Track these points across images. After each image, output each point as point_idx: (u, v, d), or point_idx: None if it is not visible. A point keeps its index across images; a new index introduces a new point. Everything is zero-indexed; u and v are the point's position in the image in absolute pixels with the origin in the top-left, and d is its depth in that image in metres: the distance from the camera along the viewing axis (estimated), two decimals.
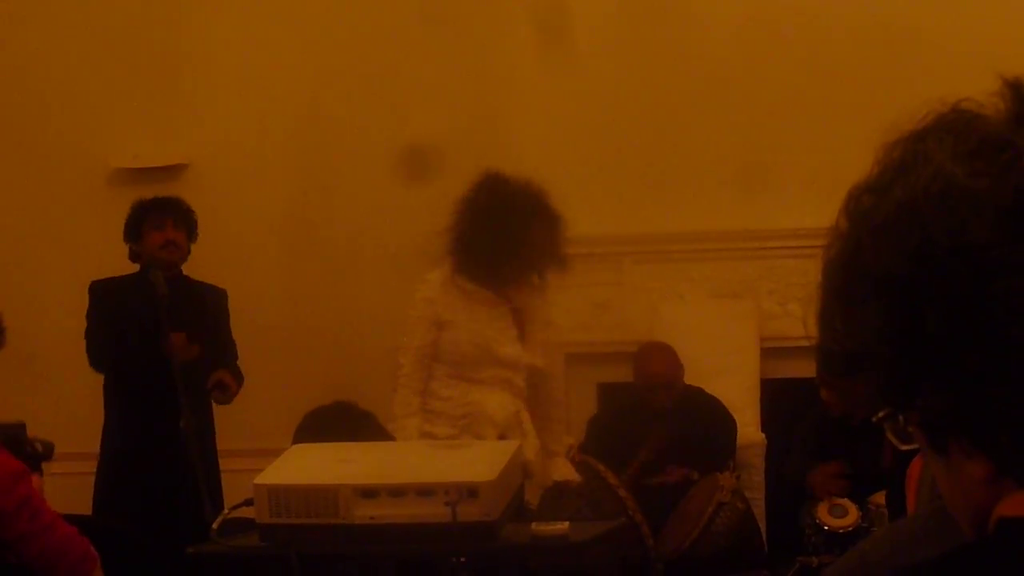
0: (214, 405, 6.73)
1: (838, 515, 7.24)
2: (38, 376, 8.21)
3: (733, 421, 7.55)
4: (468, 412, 5.75)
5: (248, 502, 4.26)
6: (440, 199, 6.14)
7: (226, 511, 4.41)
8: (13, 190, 8.52)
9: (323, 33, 8.39)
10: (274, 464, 4.36)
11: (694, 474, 7.35)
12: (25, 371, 8.17)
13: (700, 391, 7.62)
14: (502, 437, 5.75)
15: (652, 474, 7.31)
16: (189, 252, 6.72)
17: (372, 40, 8.37)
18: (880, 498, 7.04)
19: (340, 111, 8.34)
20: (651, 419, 7.49)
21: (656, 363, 7.56)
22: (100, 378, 6.69)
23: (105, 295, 6.65)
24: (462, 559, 4.04)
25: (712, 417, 7.52)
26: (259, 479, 4.25)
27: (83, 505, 6.38)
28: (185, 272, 6.77)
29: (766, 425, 7.90)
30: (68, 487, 5.41)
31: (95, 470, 6.70)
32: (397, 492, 4.13)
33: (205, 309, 6.68)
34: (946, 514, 1.37)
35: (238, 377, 6.72)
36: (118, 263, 6.77)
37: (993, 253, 1.17)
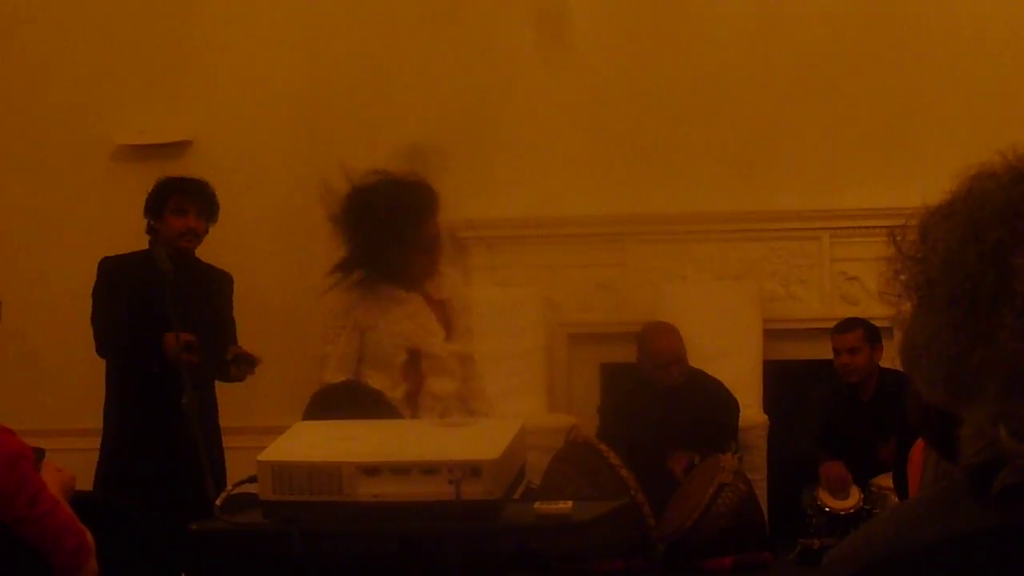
0: (216, 383, 6.72)
1: (840, 497, 7.26)
2: (40, 352, 8.22)
3: (735, 402, 7.56)
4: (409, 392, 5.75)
5: (251, 479, 4.27)
6: (440, 189, 6.14)
7: (229, 488, 4.41)
8: (17, 166, 8.52)
9: (328, 15, 8.39)
10: (278, 441, 4.36)
11: (695, 457, 7.37)
12: (27, 346, 8.19)
13: (701, 372, 7.63)
14: (444, 413, 5.78)
15: (659, 458, 7.32)
16: (207, 232, 6.69)
17: (376, 22, 8.37)
18: (883, 480, 7.07)
19: (343, 94, 8.34)
20: (658, 398, 7.50)
21: (664, 340, 7.58)
22: None
23: (113, 272, 6.62)
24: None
25: (714, 398, 7.54)
26: (262, 456, 4.26)
27: (85, 481, 6.38)
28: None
29: (768, 406, 7.92)
30: (71, 463, 5.40)
31: (99, 446, 6.70)
32: (400, 470, 4.13)
33: (209, 291, 6.65)
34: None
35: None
36: (123, 239, 6.76)
37: None
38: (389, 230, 5.74)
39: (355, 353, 5.78)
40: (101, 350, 6.57)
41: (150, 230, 6.59)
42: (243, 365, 6.46)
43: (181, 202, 6.51)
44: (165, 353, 6.24)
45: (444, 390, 5.83)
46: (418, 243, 5.77)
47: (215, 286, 6.72)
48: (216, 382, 6.70)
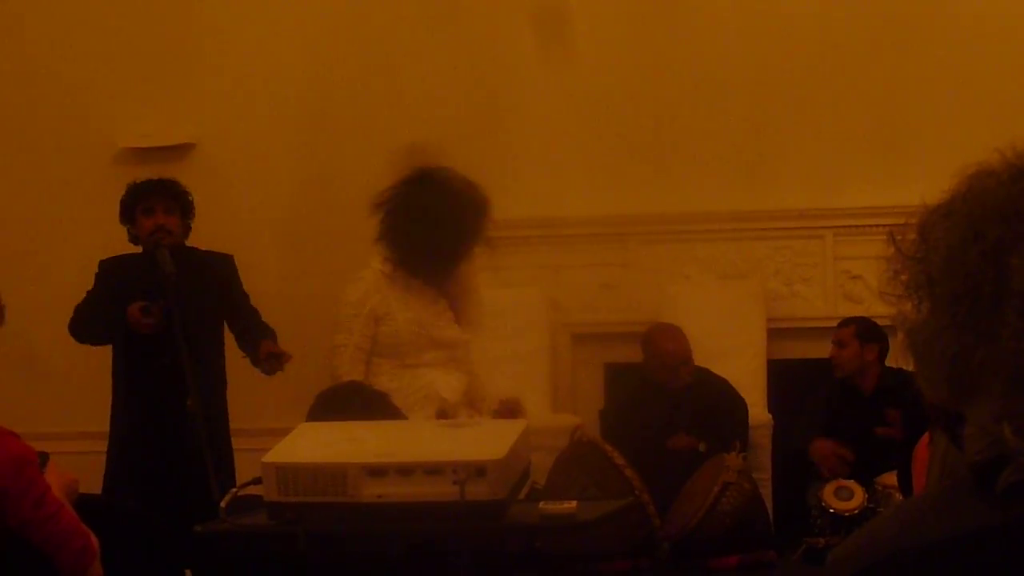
0: (228, 385, 6.75)
1: (844, 497, 7.26)
2: (43, 355, 8.22)
3: (743, 401, 7.57)
4: (422, 395, 5.73)
5: (256, 480, 4.27)
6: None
7: (234, 489, 4.42)
8: (20, 169, 8.53)
9: (329, 17, 8.39)
10: (282, 443, 4.36)
11: (701, 445, 7.37)
12: (30, 349, 8.19)
13: (708, 371, 7.63)
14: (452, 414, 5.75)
15: (664, 457, 7.33)
16: (189, 229, 6.72)
17: (377, 24, 8.37)
18: (887, 479, 7.07)
19: (344, 96, 8.34)
20: (665, 399, 7.50)
21: (671, 341, 7.58)
22: (108, 357, 6.70)
23: (112, 272, 6.66)
24: None
25: (721, 397, 7.54)
26: (267, 457, 4.26)
27: (90, 484, 6.39)
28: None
29: (773, 405, 7.92)
30: (74, 467, 5.41)
31: (104, 449, 6.71)
32: (405, 470, 4.13)
33: (213, 279, 6.69)
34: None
35: (274, 336, 6.72)
36: (125, 244, 6.77)
37: None
38: (451, 226, 5.74)
39: (369, 344, 5.77)
40: (73, 328, 6.64)
41: (132, 238, 6.65)
42: (273, 362, 6.53)
43: (147, 202, 6.60)
44: (129, 324, 6.31)
45: (454, 392, 5.81)
46: (451, 241, 5.77)
47: (219, 273, 6.75)
48: (225, 387, 6.74)
